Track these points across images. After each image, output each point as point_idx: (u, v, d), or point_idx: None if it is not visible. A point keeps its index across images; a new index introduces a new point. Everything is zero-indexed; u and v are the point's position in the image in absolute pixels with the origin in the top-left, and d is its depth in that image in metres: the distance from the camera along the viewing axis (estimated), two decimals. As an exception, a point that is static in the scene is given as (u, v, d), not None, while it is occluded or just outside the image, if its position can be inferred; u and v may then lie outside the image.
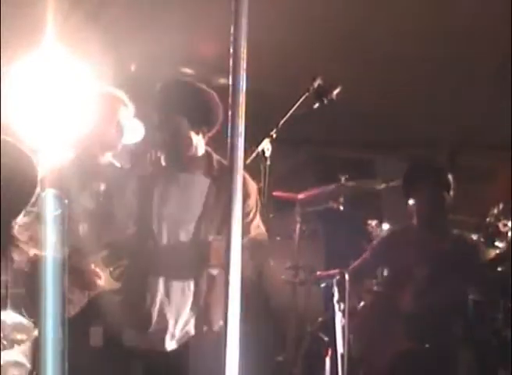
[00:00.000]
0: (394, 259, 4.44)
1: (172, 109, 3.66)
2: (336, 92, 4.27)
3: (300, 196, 5.43)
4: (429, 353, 4.19)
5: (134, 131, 4.78)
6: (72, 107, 3.94)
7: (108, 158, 4.23)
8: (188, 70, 5.75)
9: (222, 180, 3.61)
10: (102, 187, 4.08)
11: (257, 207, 3.79)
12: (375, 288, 4.69)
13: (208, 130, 3.72)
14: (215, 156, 3.75)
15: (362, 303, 4.55)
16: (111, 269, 3.95)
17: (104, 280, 3.94)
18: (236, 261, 1.90)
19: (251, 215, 3.74)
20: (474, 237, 4.80)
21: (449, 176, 4.45)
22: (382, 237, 4.69)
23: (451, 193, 4.44)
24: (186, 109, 3.65)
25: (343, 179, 6.05)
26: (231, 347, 1.88)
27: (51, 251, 3.45)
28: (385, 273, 4.56)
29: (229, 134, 2.00)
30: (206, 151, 3.76)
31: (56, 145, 3.88)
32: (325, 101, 4.24)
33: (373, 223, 5.44)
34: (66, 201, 3.70)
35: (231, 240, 1.91)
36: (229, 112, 2.02)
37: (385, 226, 5.39)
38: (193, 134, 3.68)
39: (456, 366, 4.28)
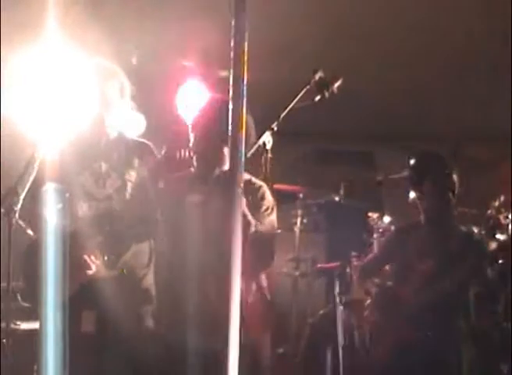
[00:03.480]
0: (402, 256, 4.45)
1: None
2: (337, 85, 4.27)
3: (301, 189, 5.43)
4: (430, 343, 4.20)
5: (135, 123, 4.78)
6: (72, 100, 3.96)
7: (109, 135, 4.17)
8: (190, 63, 5.75)
9: None
10: (104, 167, 4.09)
11: (273, 206, 3.90)
12: (383, 283, 4.69)
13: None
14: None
15: (369, 299, 4.56)
16: (105, 257, 3.94)
17: (97, 267, 3.93)
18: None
19: (269, 210, 3.87)
20: (475, 229, 4.80)
21: (455, 175, 4.45)
22: (390, 235, 4.72)
23: (456, 191, 4.43)
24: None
25: (344, 171, 6.08)
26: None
27: (52, 239, 3.47)
28: (393, 268, 4.56)
29: (230, 127, 2.03)
30: None
31: (56, 133, 3.88)
32: (327, 94, 4.24)
33: (374, 215, 5.45)
34: (68, 194, 3.73)
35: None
36: (231, 105, 2.04)
37: (387, 219, 5.41)
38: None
39: (457, 357, 4.29)
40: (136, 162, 4.13)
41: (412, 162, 4.55)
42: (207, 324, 3.47)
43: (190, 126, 4.07)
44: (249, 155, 3.93)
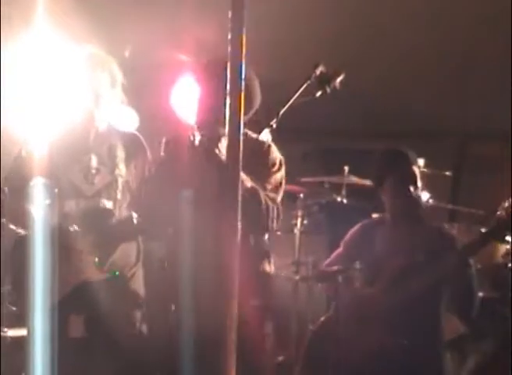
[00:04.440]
0: (368, 254, 4.51)
1: None
2: (339, 80, 4.27)
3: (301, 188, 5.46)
4: (405, 350, 4.25)
5: (127, 118, 4.82)
6: (61, 91, 4.01)
7: (99, 127, 4.22)
8: (185, 57, 5.79)
9: None
10: (93, 161, 4.14)
11: (281, 161, 3.97)
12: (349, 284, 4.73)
13: None
14: None
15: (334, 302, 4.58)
16: (96, 258, 4.01)
17: (88, 269, 4.01)
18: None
19: (276, 167, 3.93)
20: (482, 230, 4.83)
21: (415, 168, 4.49)
22: (353, 231, 4.73)
23: (419, 184, 4.47)
24: None
25: (346, 170, 6.12)
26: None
27: (40, 236, 3.53)
28: (358, 267, 4.60)
29: (227, 122, 2.13)
30: None
31: (44, 125, 3.93)
32: (328, 90, 4.25)
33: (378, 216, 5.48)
34: (56, 190, 3.79)
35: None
36: (228, 100, 2.16)
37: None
38: None
39: (438, 365, 4.34)
40: (126, 155, 4.20)
41: (373, 162, 4.62)
42: (202, 326, 3.53)
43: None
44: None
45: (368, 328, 4.33)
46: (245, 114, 3.72)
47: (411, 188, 4.43)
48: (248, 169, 3.17)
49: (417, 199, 4.50)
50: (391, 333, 4.28)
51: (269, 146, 3.99)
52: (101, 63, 4.19)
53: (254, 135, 3.97)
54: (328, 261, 4.71)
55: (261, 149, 3.95)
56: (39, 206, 3.75)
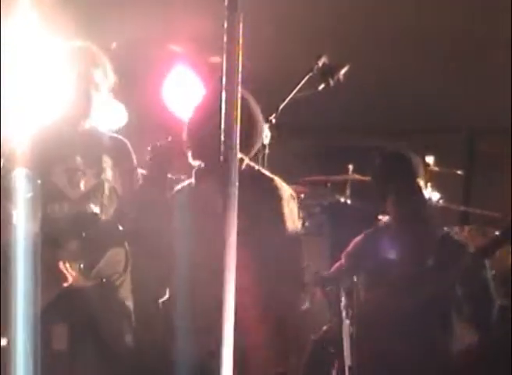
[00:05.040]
0: (372, 262, 4.48)
1: None
2: (343, 72, 4.29)
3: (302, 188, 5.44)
4: (412, 360, 4.25)
5: (116, 114, 4.78)
6: (45, 86, 3.99)
7: (88, 127, 4.18)
8: (176, 48, 5.76)
9: None
10: (79, 162, 4.09)
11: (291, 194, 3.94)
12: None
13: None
14: None
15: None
16: (81, 264, 3.97)
17: (73, 276, 3.97)
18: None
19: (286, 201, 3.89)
20: (497, 233, 4.80)
21: (418, 179, 4.46)
22: (356, 241, 4.71)
23: (424, 191, 4.44)
24: None
25: (351, 170, 6.09)
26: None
27: (21, 235, 3.50)
28: (362, 277, 4.59)
29: (223, 118, 2.08)
30: None
31: (27, 123, 3.90)
32: (331, 82, 4.26)
33: (385, 218, 5.44)
34: (39, 181, 3.76)
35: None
36: (223, 94, 2.08)
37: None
38: None
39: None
40: (112, 161, 4.16)
41: (374, 165, 4.57)
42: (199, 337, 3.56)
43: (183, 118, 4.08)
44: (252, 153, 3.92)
45: (374, 337, 4.31)
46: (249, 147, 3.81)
47: (417, 197, 4.40)
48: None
49: (424, 205, 4.47)
50: (398, 343, 4.25)
51: (276, 183, 3.93)
52: (94, 58, 4.15)
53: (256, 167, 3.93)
54: (327, 274, 4.68)
55: (267, 185, 3.90)
56: (20, 200, 3.72)
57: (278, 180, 3.92)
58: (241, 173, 3.78)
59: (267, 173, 3.95)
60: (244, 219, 3.66)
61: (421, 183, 4.43)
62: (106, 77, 4.15)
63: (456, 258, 4.29)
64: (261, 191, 3.81)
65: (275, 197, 3.88)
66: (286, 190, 3.94)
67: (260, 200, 3.72)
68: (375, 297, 4.43)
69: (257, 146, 3.89)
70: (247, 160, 3.85)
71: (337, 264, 4.71)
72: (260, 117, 3.86)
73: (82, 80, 4.06)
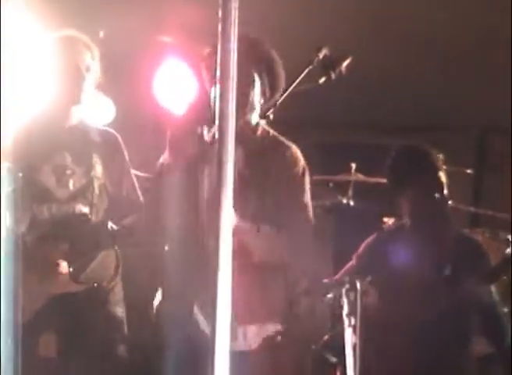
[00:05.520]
0: (384, 267, 4.44)
1: None
2: (345, 64, 4.24)
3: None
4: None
5: (103, 108, 4.77)
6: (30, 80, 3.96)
7: (76, 119, 4.16)
8: (168, 38, 5.73)
9: None
10: (68, 160, 4.06)
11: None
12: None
13: None
14: None
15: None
16: (70, 268, 3.94)
17: (64, 280, 3.98)
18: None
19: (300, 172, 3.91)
20: (509, 237, 4.79)
21: (441, 174, 4.42)
22: (367, 243, 4.68)
23: (445, 192, 4.41)
24: None
25: (353, 168, 6.06)
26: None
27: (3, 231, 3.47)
28: (374, 283, 4.56)
29: (217, 113, 2.03)
30: None
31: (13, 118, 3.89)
32: (333, 75, 4.20)
33: (390, 220, 5.43)
34: (20, 174, 3.72)
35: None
36: (217, 88, 2.05)
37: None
38: None
39: None
40: (103, 156, 4.12)
41: (390, 161, 4.57)
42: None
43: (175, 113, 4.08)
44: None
45: (386, 351, 4.27)
46: (271, 97, 3.88)
47: (437, 195, 4.36)
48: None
49: (443, 206, 4.43)
50: (410, 358, 4.22)
51: (295, 151, 3.94)
52: (84, 48, 4.16)
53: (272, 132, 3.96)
54: (338, 275, 4.65)
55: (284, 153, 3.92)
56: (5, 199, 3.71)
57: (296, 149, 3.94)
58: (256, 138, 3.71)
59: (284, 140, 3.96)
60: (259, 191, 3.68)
61: (444, 178, 4.41)
62: (96, 68, 4.12)
63: (477, 263, 4.27)
64: (281, 159, 3.85)
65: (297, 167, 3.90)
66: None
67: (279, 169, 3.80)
68: (387, 304, 4.40)
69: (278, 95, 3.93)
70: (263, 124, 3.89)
71: (347, 265, 4.68)
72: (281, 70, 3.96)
73: (71, 70, 4.06)
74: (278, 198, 3.78)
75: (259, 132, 3.89)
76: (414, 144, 4.59)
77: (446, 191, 4.41)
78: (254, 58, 3.80)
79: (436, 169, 4.42)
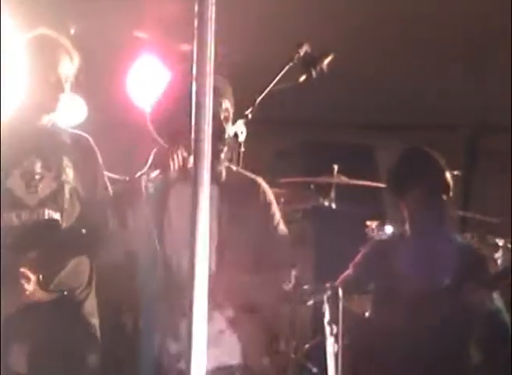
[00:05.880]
0: (382, 276, 4.44)
1: None
2: (327, 61, 4.25)
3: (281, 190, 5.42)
4: None
5: (76, 109, 4.74)
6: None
7: (47, 123, 4.13)
8: (142, 34, 5.73)
9: None
10: (37, 165, 4.02)
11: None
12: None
13: None
14: None
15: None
16: (40, 276, 3.90)
17: (32, 288, 3.90)
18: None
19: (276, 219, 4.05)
20: (500, 242, 4.79)
21: (448, 174, 4.44)
22: (366, 250, 4.69)
23: (451, 194, 4.43)
24: None
25: (336, 170, 6.05)
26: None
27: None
28: (372, 291, 4.57)
29: (193, 113, 2.02)
30: None
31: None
32: (314, 73, 4.21)
33: (373, 224, 5.43)
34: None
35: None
36: (193, 86, 2.04)
37: (389, 229, 5.39)
38: None
39: None
40: (74, 159, 4.09)
41: (392, 163, 4.60)
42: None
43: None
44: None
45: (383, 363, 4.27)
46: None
47: (443, 199, 4.37)
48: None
49: (447, 212, 4.44)
50: (409, 367, 4.23)
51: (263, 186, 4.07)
52: (58, 47, 4.09)
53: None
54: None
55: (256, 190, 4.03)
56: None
57: (262, 181, 4.05)
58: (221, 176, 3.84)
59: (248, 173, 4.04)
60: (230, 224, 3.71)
61: (450, 180, 4.42)
62: (72, 67, 4.09)
63: (478, 272, 4.28)
64: (246, 194, 3.93)
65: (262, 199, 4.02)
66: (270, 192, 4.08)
67: (245, 204, 3.87)
68: (385, 314, 4.40)
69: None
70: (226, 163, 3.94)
71: (344, 275, 4.69)
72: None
73: (51, 80, 4.01)
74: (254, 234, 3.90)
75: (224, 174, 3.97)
76: (418, 146, 4.62)
77: (450, 198, 4.43)
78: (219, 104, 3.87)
79: (443, 171, 4.44)
